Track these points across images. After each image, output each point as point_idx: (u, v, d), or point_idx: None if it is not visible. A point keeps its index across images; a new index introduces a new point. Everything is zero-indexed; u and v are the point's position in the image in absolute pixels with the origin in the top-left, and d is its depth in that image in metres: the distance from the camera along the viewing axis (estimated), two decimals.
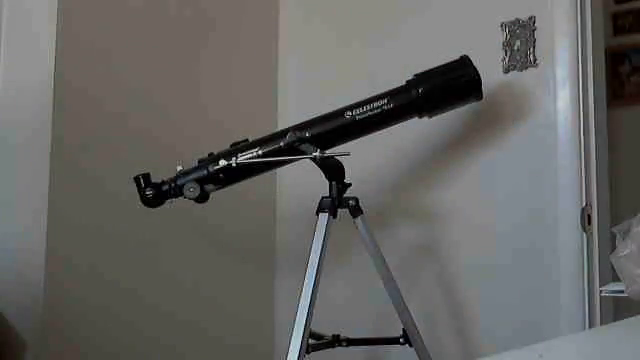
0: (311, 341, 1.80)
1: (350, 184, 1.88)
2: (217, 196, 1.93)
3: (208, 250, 2.47)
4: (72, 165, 2.09)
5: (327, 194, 1.86)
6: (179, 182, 1.86)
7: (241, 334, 2.55)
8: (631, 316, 1.29)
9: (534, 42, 2.16)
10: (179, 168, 1.87)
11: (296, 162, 1.87)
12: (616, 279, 1.58)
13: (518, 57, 2.18)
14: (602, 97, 2.19)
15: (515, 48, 2.18)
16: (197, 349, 2.40)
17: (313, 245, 1.80)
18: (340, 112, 1.89)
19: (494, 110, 2.22)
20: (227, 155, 1.87)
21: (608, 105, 2.28)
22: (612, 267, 1.58)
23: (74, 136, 2.10)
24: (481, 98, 1.93)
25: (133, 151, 2.23)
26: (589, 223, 2.06)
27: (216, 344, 2.45)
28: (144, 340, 2.26)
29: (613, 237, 1.62)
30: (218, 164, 1.85)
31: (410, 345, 1.90)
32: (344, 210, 1.87)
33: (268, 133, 1.94)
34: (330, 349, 1.92)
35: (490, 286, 2.21)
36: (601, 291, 1.99)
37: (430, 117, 1.95)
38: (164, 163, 1.90)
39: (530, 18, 2.17)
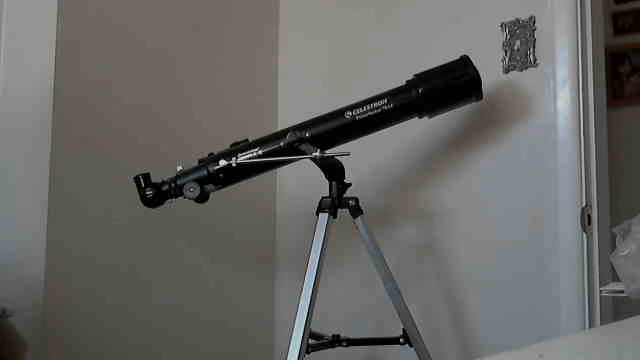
0: (311, 341, 1.80)
1: (350, 184, 1.88)
2: (217, 196, 1.93)
3: (207, 251, 2.47)
4: (72, 165, 2.09)
5: (327, 194, 1.86)
6: (179, 182, 1.86)
7: (241, 334, 2.55)
8: (631, 316, 1.29)
9: (534, 42, 2.16)
10: (179, 168, 1.88)
11: (296, 162, 1.87)
12: (616, 279, 1.58)
13: (518, 57, 2.18)
14: (602, 97, 2.19)
15: (515, 48, 2.18)
16: (195, 349, 2.40)
17: (313, 245, 1.80)
18: (340, 112, 1.89)
19: (494, 110, 2.22)
20: (227, 155, 1.87)
21: (608, 105, 2.28)
22: (612, 267, 1.59)
23: (74, 139, 2.10)
24: (481, 98, 1.93)
25: (134, 148, 2.23)
26: (589, 223, 2.06)
27: (215, 344, 2.45)
28: (144, 340, 2.26)
29: (613, 237, 1.62)
30: (218, 164, 1.85)
31: (410, 345, 1.90)
32: (344, 210, 1.87)
33: (268, 133, 1.94)
34: (330, 349, 1.92)
35: (490, 286, 2.21)
36: (601, 291, 2.00)
37: (430, 117, 1.95)
38: (164, 164, 1.91)
39: (530, 18, 2.17)
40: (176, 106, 2.40)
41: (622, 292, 1.52)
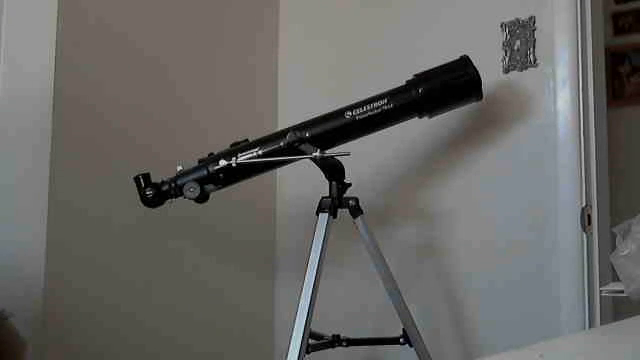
0: (311, 341, 1.80)
1: (350, 184, 1.88)
2: (217, 196, 1.93)
3: (207, 251, 2.47)
4: (72, 165, 2.09)
5: (327, 194, 1.86)
6: (179, 182, 1.86)
7: (241, 334, 2.55)
8: (631, 316, 1.29)
9: (534, 42, 2.16)
10: (179, 168, 1.88)
11: (296, 162, 1.87)
12: (616, 279, 1.58)
13: (518, 57, 2.18)
14: (602, 97, 2.19)
15: (515, 48, 2.18)
16: (195, 349, 2.40)
17: (313, 245, 1.80)
18: (340, 112, 1.89)
19: (494, 110, 2.22)
20: (227, 155, 1.87)
21: (608, 105, 2.28)
22: (612, 267, 1.59)
23: (74, 139, 2.10)
24: (481, 98, 1.93)
25: (134, 148, 2.23)
26: (589, 223, 2.06)
27: (215, 344, 2.45)
28: (144, 340, 2.26)
29: (613, 237, 1.62)
30: (218, 164, 1.85)
31: (410, 345, 1.90)
32: (344, 210, 1.87)
33: (268, 133, 1.94)
34: (330, 349, 1.92)
35: (489, 286, 2.21)
36: (601, 291, 1.99)
37: (430, 117, 1.95)
38: (164, 164, 1.91)
39: (530, 18, 2.17)
40: (176, 106, 2.40)
41: (622, 292, 1.52)
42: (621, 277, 1.52)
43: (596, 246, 2.06)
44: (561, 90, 2.10)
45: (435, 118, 1.98)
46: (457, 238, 2.29)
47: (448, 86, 1.90)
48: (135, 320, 2.24)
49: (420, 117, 1.94)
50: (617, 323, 1.35)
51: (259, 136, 1.92)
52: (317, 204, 1.85)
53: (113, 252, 2.18)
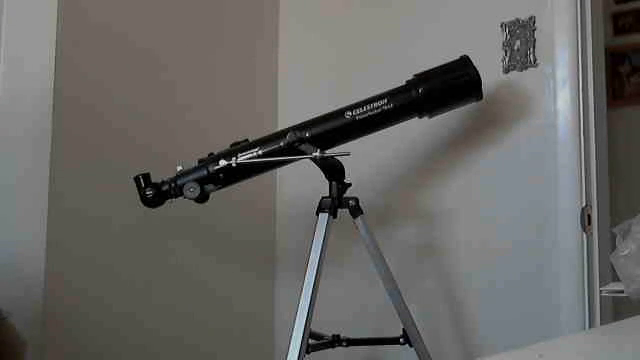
0: (311, 341, 1.80)
1: (350, 184, 1.88)
2: (217, 196, 1.93)
3: (207, 251, 2.47)
4: (72, 165, 2.09)
5: (327, 194, 1.86)
6: (179, 182, 1.86)
7: (241, 334, 2.55)
8: (631, 316, 1.29)
9: (534, 42, 2.16)
10: (179, 168, 1.88)
11: (296, 162, 1.87)
12: (616, 279, 1.58)
13: (518, 57, 2.18)
14: (602, 97, 2.19)
15: (515, 48, 2.18)
16: (195, 349, 2.40)
17: (313, 245, 1.80)
18: (340, 112, 1.89)
19: (494, 110, 2.22)
20: (227, 155, 1.87)
21: (608, 105, 2.28)
22: (612, 267, 1.59)
23: (74, 139, 2.10)
24: (481, 98, 1.93)
25: (134, 148, 2.23)
26: (589, 223, 2.06)
27: (215, 344, 2.45)
28: (143, 340, 2.26)
29: (613, 237, 1.62)
30: (218, 164, 1.85)
31: (410, 345, 1.90)
32: (344, 210, 1.87)
33: (268, 133, 1.94)
34: (330, 349, 1.92)
35: (489, 286, 2.21)
36: (601, 291, 2.00)
37: (430, 117, 1.95)
38: (164, 164, 1.91)
39: (530, 18, 2.17)
40: (176, 106, 2.40)
41: (622, 292, 1.53)
42: (621, 277, 1.52)
43: (596, 246, 2.06)
44: (561, 90, 2.10)
45: (435, 118, 1.98)
46: (457, 238, 2.29)
47: (448, 86, 1.90)
48: (135, 320, 2.24)
49: (420, 117, 1.94)
50: (617, 323, 1.35)
51: (259, 136, 1.92)
52: (317, 204, 1.85)
53: (113, 252, 2.18)
